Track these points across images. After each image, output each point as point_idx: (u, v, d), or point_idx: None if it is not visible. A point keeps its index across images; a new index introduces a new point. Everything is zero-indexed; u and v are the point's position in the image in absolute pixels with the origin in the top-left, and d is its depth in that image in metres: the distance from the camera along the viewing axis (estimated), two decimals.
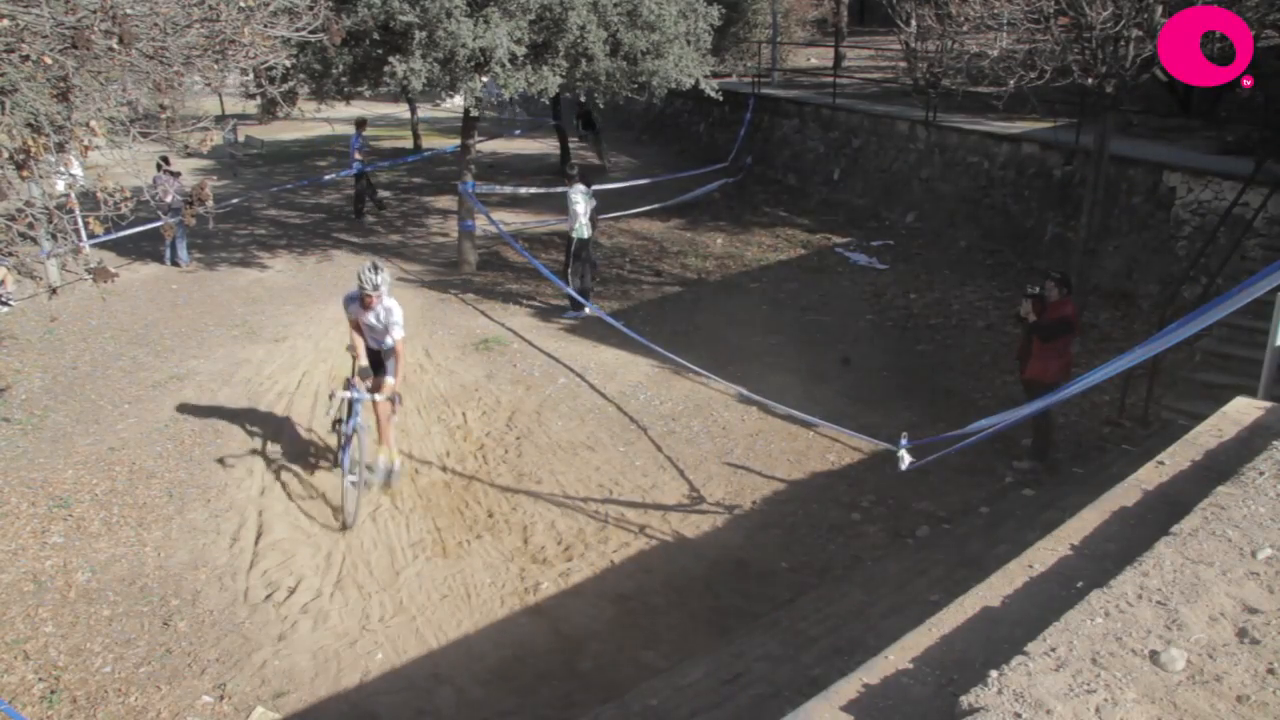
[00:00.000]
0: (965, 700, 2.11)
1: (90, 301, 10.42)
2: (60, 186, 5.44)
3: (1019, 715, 2.03)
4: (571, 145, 19.03)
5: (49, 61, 3.60)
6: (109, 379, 8.96)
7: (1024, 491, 6.98)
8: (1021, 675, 2.15)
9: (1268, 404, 4.12)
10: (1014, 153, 12.47)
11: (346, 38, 9.19)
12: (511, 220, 14.38)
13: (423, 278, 12.24)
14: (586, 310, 10.68)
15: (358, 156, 15.40)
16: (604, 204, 12.18)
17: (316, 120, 19.63)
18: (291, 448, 7.78)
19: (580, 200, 10.72)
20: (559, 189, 11.50)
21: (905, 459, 6.50)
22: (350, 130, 15.99)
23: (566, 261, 10.99)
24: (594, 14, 10.17)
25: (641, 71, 11.00)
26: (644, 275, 12.42)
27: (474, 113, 11.83)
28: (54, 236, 4.45)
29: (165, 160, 11.70)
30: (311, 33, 4.72)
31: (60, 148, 4.09)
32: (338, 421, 7.08)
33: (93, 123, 3.98)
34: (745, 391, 8.41)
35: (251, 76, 5.52)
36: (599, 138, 19.53)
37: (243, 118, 20.32)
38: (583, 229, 10.80)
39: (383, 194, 17.08)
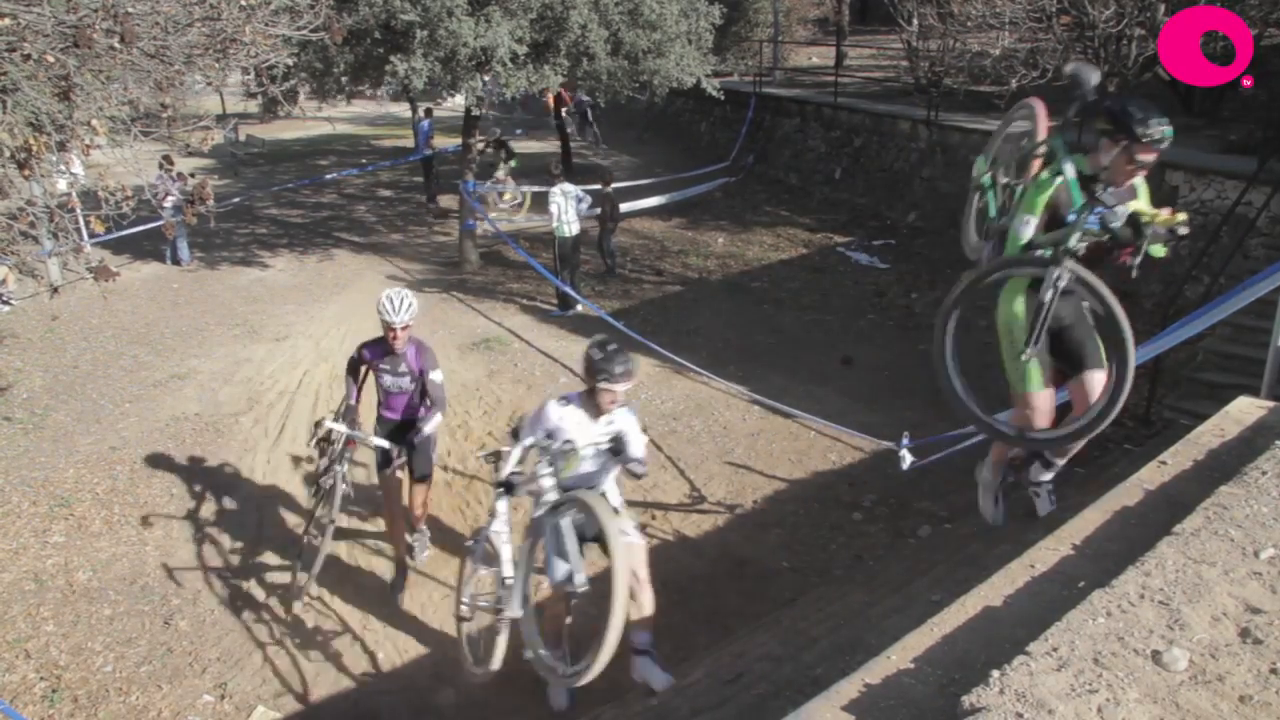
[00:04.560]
0: (967, 700, 2.10)
1: (91, 300, 10.42)
2: (62, 185, 5.45)
3: (1021, 715, 2.02)
4: (573, 144, 19.04)
5: (50, 60, 3.60)
6: (110, 378, 8.97)
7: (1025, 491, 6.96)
8: (1023, 675, 2.14)
9: (1271, 403, 4.11)
10: None
11: (348, 36, 9.19)
12: (513, 220, 14.38)
13: (424, 277, 12.24)
14: (579, 308, 10.70)
15: (432, 144, 16.67)
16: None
17: (318, 119, 19.66)
18: (292, 447, 7.78)
19: (561, 199, 10.78)
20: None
21: (907, 458, 6.50)
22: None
23: (554, 261, 11.04)
24: (595, 13, 10.17)
25: (643, 71, 10.99)
26: (645, 274, 12.41)
27: (475, 112, 11.83)
28: (55, 235, 4.46)
29: (168, 160, 11.70)
30: (313, 31, 4.72)
31: (62, 146, 4.09)
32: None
33: (94, 121, 3.99)
34: (746, 391, 8.42)
35: (253, 75, 5.52)
36: (595, 130, 19.60)
37: (244, 116, 20.37)
38: (564, 228, 10.85)
39: (387, 193, 17.13)
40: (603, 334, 4.33)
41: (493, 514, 4.54)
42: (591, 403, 4.18)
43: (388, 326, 5.36)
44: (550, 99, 17.50)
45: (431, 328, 10.32)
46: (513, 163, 15.22)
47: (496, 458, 4.81)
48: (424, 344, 5.65)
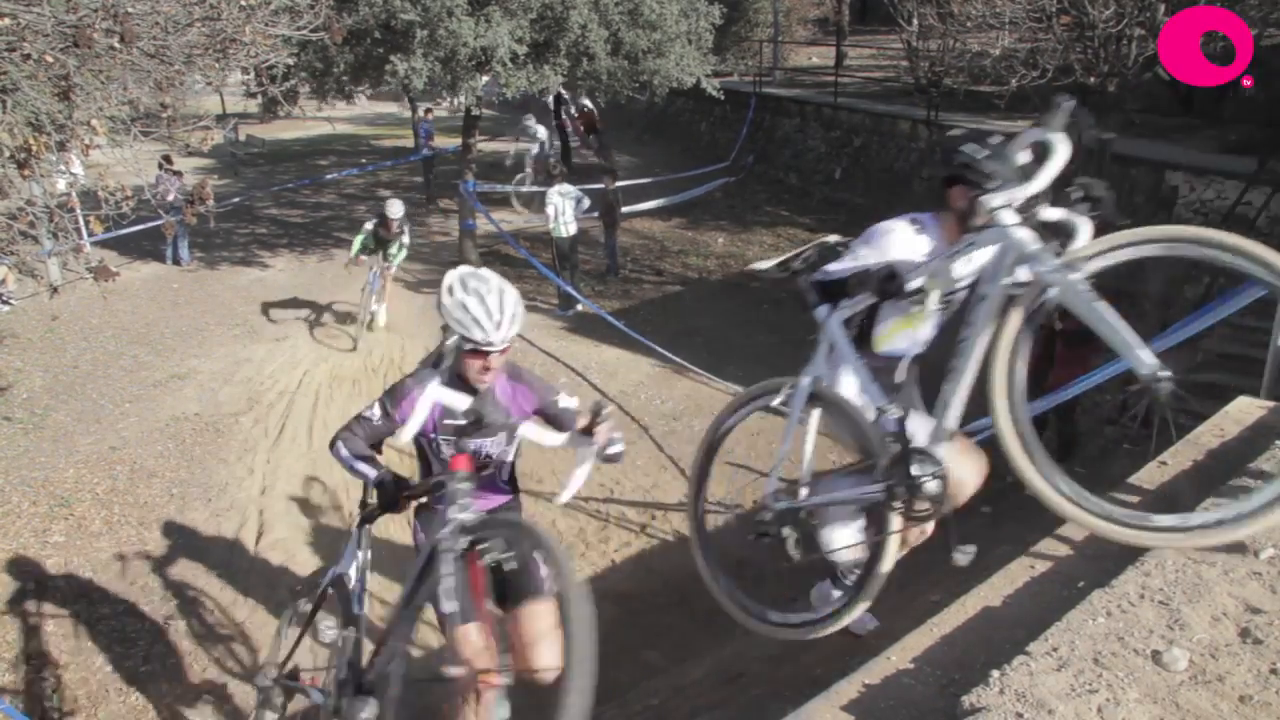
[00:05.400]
0: (967, 700, 2.11)
1: (91, 300, 10.41)
2: (61, 185, 5.44)
3: (1021, 715, 2.02)
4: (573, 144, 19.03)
5: (50, 60, 3.60)
6: (110, 378, 8.96)
7: (1026, 491, 6.96)
8: (1023, 675, 2.14)
9: (1271, 404, 4.11)
10: None
11: (348, 36, 9.19)
12: (513, 219, 14.37)
13: (424, 277, 12.23)
14: (579, 307, 10.71)
15: (432, 143, 16.85)
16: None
17: (318, 119, 19.64)
18: (293, 447, 7.78)
19: (558, 200, 10.84)
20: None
21: None
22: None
23: (554, 261, 11.08)
24: (595, 13, 10.17)
25: (643, 71, 10.99)
26: (645, 274, 12.41)
27: (475, 111, 11.84)
28: (55, 235, 4.46)
29: (167, 159, 11.71)
30: (313, 31, 4.72)
31: (61, 146, 4.09)
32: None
33: (94, 121, 3.99)
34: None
35: (252, 75, 5.52)
36: (602, 142, 19.52)
37: (244, 116, 20.34)
38: (560, 228, 10.92)
39: (386, 193, 17.11)
40: (963, 128, 2.62)
41: (828, 344, 2.97)
42: (955, 227, 2.63)
43: (474, 350, 2.80)
44: (580, 118, 17.48)
45: (432, 329, 10.31)
46: (399, 254, 10.31)
47: (823, 256, 3.17)
48: (522, 371, 3.17)
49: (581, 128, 17.82)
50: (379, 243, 10.05)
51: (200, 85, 5.16)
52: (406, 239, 10.28)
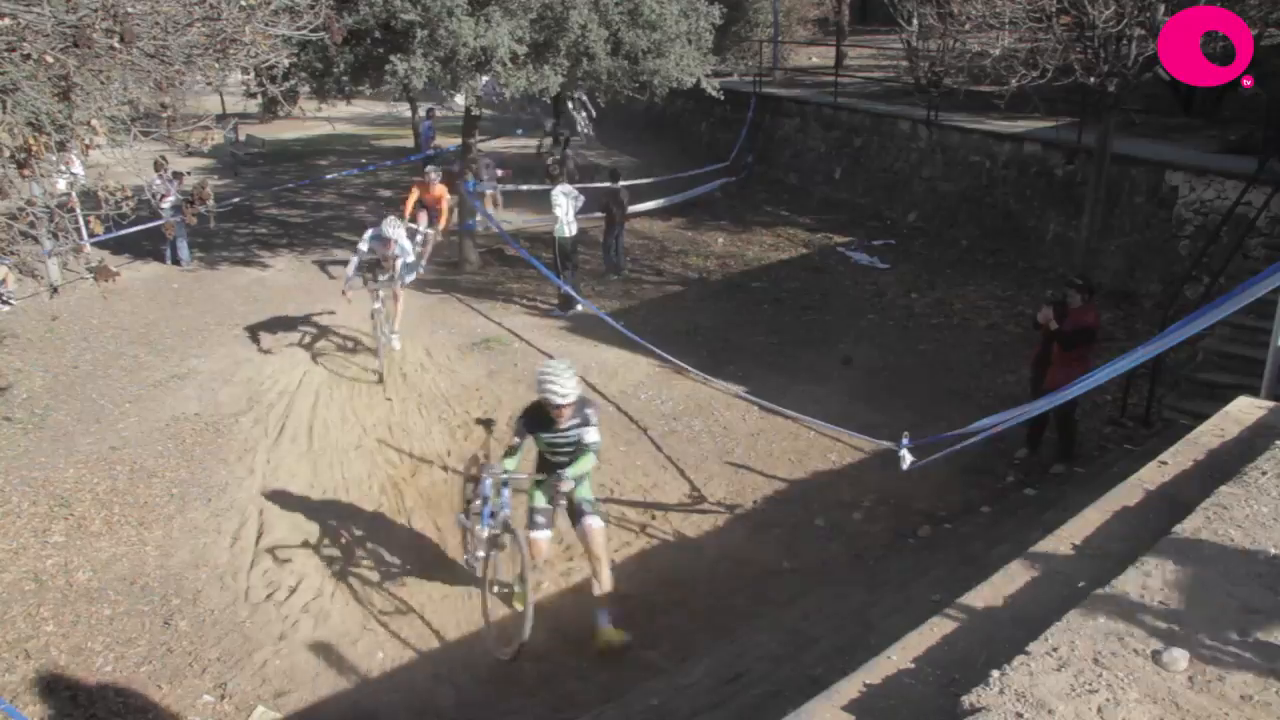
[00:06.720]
0: (967, 700, 2.11)
1: (91, 300, 10.41)
2: (61, 185, 5.45)
3: (1021, 715, 2.03)
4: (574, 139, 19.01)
5: (50, 60, 3.60)
6: (110, 378, 8.96)
7: (1026, 491, 6.97)
8: (1023, 675, 2.14)
9: (1270, 404, 4.12)
10: (1016, 152, 12.45)
11: (348, 36, 9.18)
12: (513, 219, 14.37)
13: (424, 277, 12.23)
14: (579, 308, 10.71)
15: (435, 144, 17.07)
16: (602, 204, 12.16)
17: (318, 119, 19.64)
18: (293, 447, 7.78)
19: (562, 200, 10.86)
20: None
21: (906, 458, 6.49)
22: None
23: (555, 261, 11.08)
24: (595, 13, 10.17)
25: (643, 71, 10.99)
26: (645, 274, 12.40)
27: (475, 111, 11.84)
28: (55, 235, 4.46)
29: (164, 160, 11.69)
30: (312, 31, 4.72)
31: (61, 146, 4.09)
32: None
33: (94, 121, 3.99)
34: (746, 392, 8.41)
35: (252, 75, 5.52)
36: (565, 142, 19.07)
37: (244, 116, 20.34)
38: (563, 228, 10.93)
39: (386, 193, 17.11)
40: None
41: None
42: None
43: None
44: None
45: (431, 328, 10.31)
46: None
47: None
48: None
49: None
50: (544, 426, 5.28)
51: (200, 85, 5.15)
52: (593, 436, 5.41)
